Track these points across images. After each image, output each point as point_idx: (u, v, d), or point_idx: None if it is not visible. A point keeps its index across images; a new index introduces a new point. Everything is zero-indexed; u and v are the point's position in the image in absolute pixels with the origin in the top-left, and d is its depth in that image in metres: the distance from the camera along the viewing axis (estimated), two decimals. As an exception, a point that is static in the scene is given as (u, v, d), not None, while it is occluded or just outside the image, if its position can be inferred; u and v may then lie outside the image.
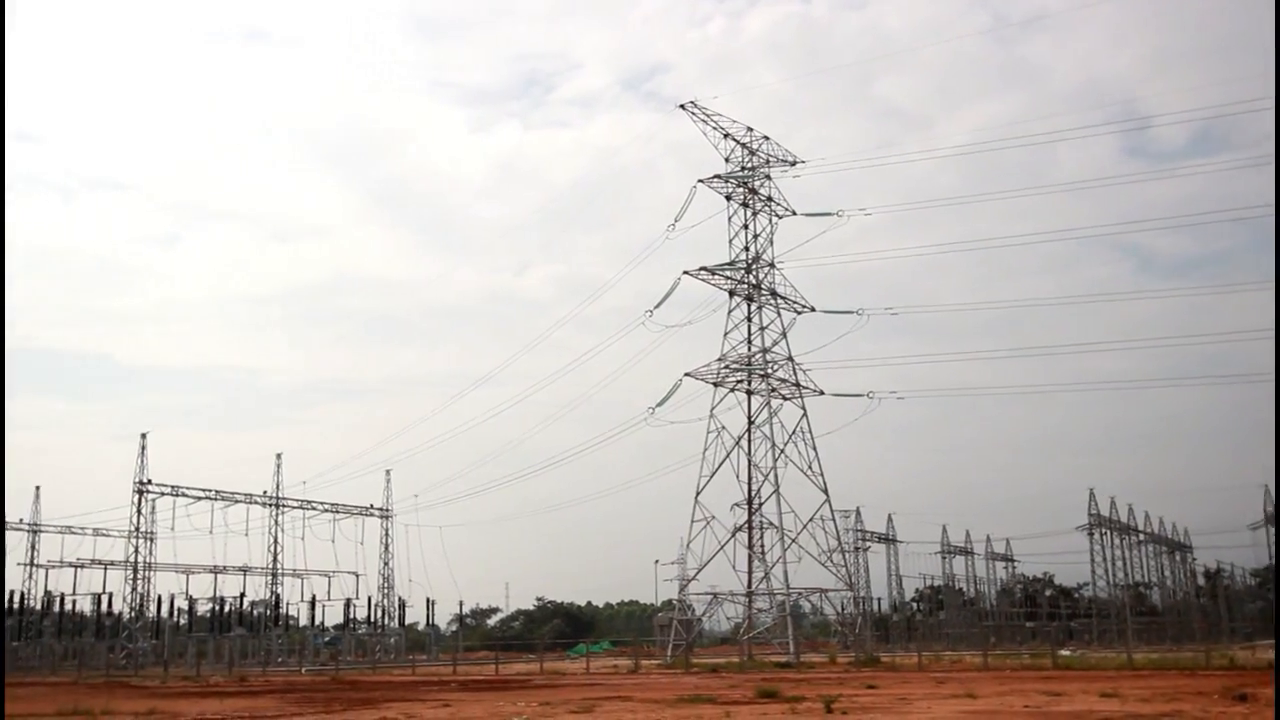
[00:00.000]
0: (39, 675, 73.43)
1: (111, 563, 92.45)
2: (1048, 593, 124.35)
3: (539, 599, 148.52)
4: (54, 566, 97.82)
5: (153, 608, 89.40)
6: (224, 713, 28.46)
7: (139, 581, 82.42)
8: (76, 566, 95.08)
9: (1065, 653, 55.54)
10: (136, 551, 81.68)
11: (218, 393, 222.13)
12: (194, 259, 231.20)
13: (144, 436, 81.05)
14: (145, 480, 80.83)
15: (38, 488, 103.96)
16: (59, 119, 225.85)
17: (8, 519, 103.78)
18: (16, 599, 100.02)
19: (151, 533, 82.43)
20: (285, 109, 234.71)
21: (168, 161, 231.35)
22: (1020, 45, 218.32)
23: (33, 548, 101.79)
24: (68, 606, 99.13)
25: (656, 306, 65.77)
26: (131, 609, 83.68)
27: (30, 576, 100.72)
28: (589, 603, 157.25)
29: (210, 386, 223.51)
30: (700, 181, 67.89)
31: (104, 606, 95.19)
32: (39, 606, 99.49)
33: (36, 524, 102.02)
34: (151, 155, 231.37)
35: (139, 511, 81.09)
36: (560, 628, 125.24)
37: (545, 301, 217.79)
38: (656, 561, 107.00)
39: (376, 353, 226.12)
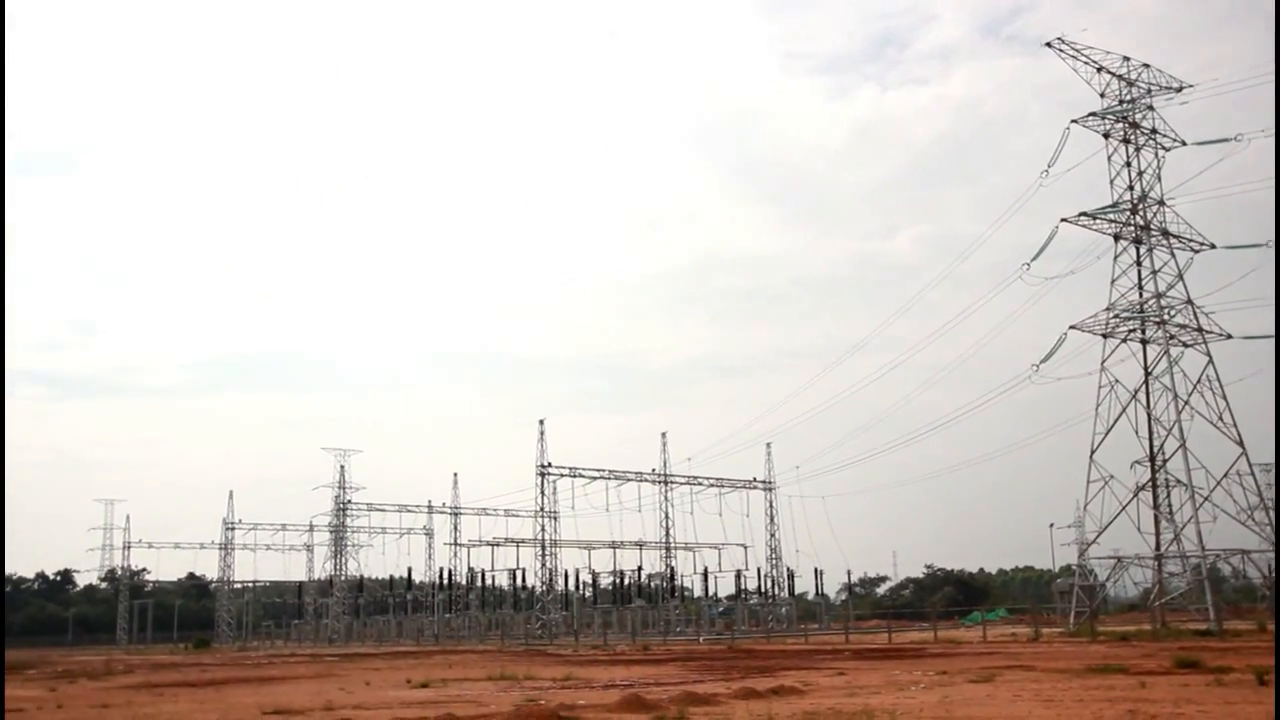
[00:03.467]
0: (469, 644, 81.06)
1: (522, 540, 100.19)
2: None
3: (928, 566, 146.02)
4: (474, 545, 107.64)
5: (561, 581, 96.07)
6: (631, 679, 30.05)
7: (547, 557, 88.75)
8: (492, 545, 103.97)
9: None
10: (543, 530, 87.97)
11: (605, 377, 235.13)
12: (573, 251, 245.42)
13: (542, 423, 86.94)
14: (546, 463, 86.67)
15: (455, 474, 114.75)
16: (448, 133, 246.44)
17: (433, 504, 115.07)
18: (446, 575, 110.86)
19: (555, 512, 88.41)
20: (647, 100, 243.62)
21: (544, 159, 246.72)
22: None
23: (455, 529, 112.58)
24: (488, 581, 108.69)
25: (1034, 259, 62.47)
26: (542, 583, 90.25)
27: (455, 555, 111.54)
28: (981, 569, 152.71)
29: (598, 371, 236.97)
30: (1074, 122, 63.68)
31: (519, 581, 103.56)
32: (464, 582, 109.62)
33: (457, 507, 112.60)
34: (527, 156, 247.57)
35: (542, 493, 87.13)
36: (952, 595, 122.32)
37: (915, 263, 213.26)
38: (1051, 525, 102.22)
39: (750, 328, 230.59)
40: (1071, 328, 62.54)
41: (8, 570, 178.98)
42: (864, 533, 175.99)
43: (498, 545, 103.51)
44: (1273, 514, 60.97)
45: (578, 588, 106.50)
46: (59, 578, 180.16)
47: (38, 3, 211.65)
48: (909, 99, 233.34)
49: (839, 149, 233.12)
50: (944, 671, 28.33)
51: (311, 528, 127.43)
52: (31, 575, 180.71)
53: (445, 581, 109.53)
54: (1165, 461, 60.57)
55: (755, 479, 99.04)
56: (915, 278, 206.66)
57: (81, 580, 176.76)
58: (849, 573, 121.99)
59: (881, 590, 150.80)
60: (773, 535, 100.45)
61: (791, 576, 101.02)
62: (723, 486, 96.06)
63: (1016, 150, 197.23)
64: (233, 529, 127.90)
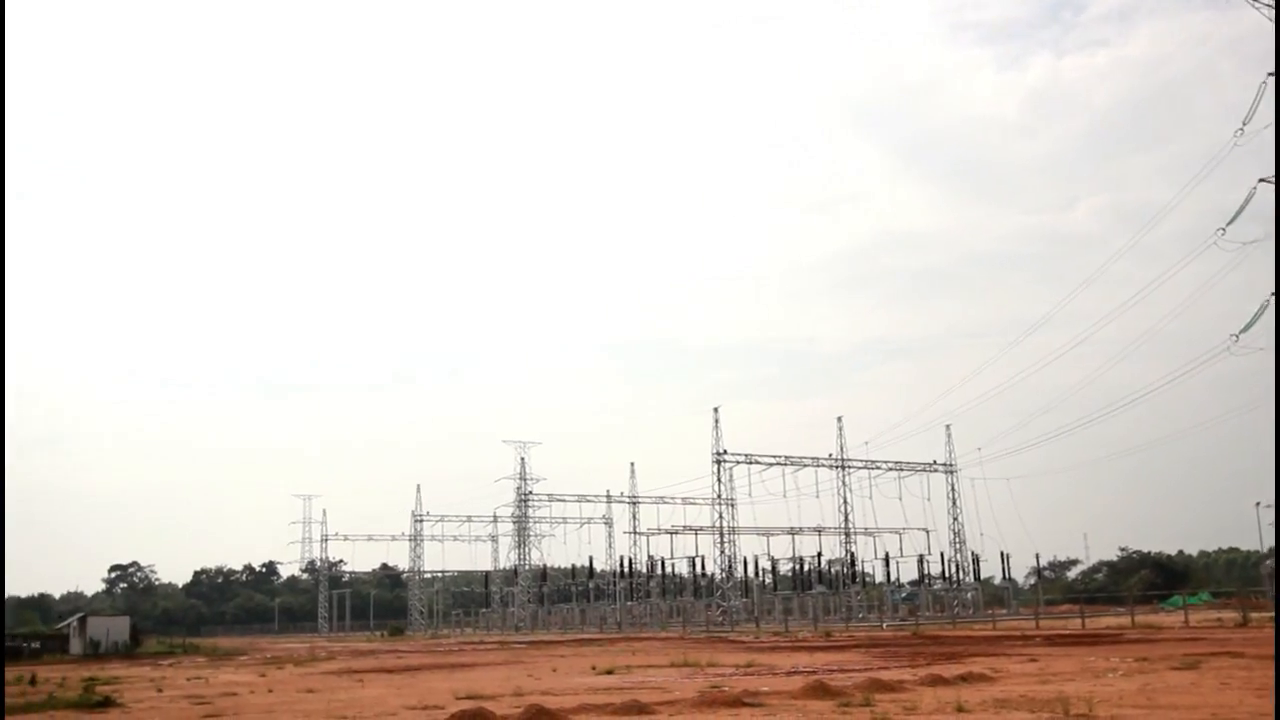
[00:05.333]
0: (651, 631, 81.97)
1: (700, 528, 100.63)
2: None
3: (1122, 549, 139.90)
4: (653, 534, 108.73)
5: (740, 568, 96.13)
6: (815, 665, 29.85)
7: (725, 544, 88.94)
8: (671, 533, 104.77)
9: None
10: (720, 517, 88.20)
11: (777, 363, 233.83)
12: (739, 238, 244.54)
13: (716, 410, 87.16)
14: (721, 451, 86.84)
15: (632, 464, 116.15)
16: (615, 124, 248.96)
17: (611, 494, 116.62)
18: (626, 563, 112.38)
19: (731, 499, 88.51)
20: (810, 81, 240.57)
21: (709, 149, 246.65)
22: None
23: (634, 517, 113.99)
24: (668, 569, 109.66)
25: (1229, 223, 59.06)
26: (721, 570, 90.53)
27: (634, 543, 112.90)
28: (1180, 551, 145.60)
29: (769, 358, 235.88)
30: (1270, 74, 59.89)
31: (698, 568, 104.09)
32: (644, 570, 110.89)
33: (635, 496, 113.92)
34: (693, 146, 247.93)
35: (719, 480, 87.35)
36: (1149, 579, 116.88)
37: (1097, 235, 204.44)
38: (1257, 504, 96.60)
39: (923, 308, 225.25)
40: (1274, 294, 59.01)
41: (220, 563, 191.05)
42: (1052, 515, 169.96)
43: (676, 533, 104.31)
44: None
45: (757, 574, 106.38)
46: (264, 569, 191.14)
47: (43, 5, 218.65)
48: (1086, 63, 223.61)
49: (1011, 120, 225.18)
50: (1144, 658, 27.17)
51: (495, 519, 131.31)
52: (240, 567, 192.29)
53: (626, 569, 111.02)
54: (1384, 433, 56.49)
55: (935, 462, 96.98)
56: (1097, 250, 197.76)
57: (284, 572, 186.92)
58: (1037, 556, 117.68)
59: (1072, 574, 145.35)
60: (955, 519, 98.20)
61: (976, 561, 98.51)
62: (902, 470, 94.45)
63: (1205, 110, 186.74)
64: (421, 521, 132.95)
